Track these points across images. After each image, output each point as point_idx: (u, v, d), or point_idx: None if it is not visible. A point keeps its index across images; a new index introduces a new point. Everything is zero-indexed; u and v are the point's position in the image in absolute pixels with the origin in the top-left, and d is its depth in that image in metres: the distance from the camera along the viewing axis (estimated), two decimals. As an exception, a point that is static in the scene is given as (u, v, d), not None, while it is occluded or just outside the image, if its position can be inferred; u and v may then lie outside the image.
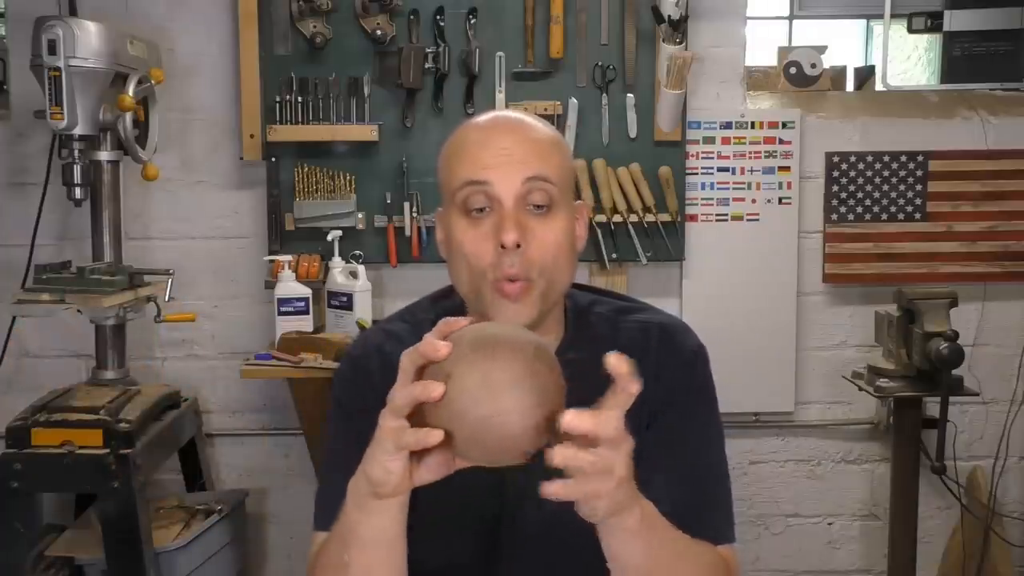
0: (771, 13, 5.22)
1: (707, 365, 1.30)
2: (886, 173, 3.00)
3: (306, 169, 2.86)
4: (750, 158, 2.97)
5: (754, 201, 2.98)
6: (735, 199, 2.98)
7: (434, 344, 0.95)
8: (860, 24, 5.45)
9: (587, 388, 0.97)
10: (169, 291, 2.57)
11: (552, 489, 0.93)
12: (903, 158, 3.00)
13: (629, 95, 2.89)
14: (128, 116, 2.49)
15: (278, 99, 2.84)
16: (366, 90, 2.85)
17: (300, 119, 2.84)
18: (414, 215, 2.87)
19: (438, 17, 2.83)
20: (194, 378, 2.99)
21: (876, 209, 3.00)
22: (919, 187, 3.00)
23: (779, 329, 3.02)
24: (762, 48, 4.14)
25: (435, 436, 0.93)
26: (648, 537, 1.04)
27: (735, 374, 2.93)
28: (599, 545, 1.28)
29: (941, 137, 3.02)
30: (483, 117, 1.26)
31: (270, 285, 2.79)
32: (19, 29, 2.78)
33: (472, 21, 2.84)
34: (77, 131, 2.41)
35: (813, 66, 3.06)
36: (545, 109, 2.84)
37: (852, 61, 4.36)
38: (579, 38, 2.87)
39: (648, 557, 1.05)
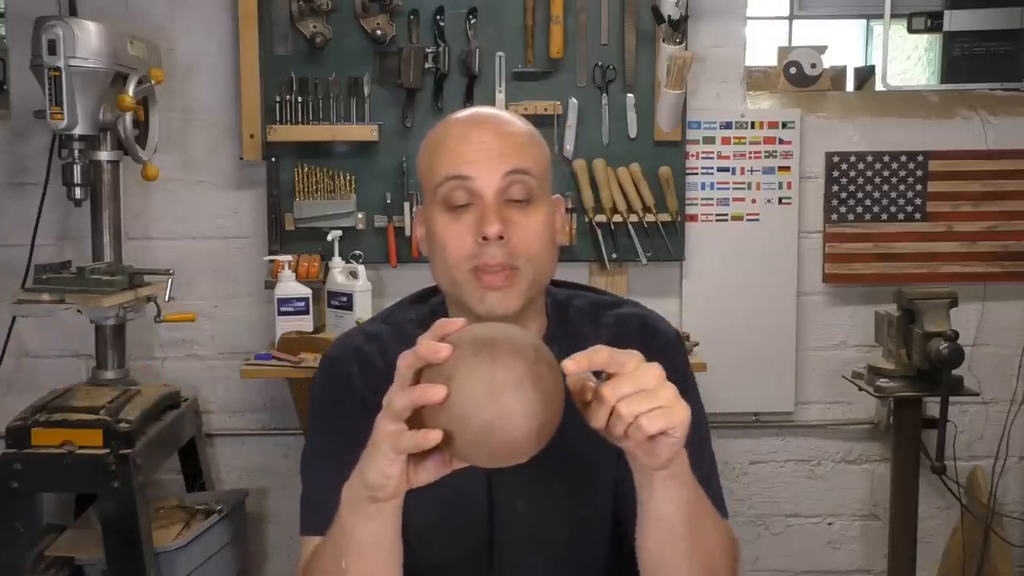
0: (771, 13, 5.23)
1: (684, 350, 1.37)
2: (886, 173, 3.00)
3: (306, 169, 2.86)
4: (750, 158, 2.97)
5: (754, 201, 2.98)
6: (735, 199, 2.98)
7: (435, 346, 0.94)
8: (860, 24, 5.45)
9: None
10: (169, 291, 2.57)
11: (652, 424, 0.93)
12: (903, 158, 3.00)
13: (629, 95, 2.89)
14: (128, 116, 2.49)
15: (278, 99, 2.84)
16: (366, 90, 2.85)
17: (300, 119, 2.84)
18: (414, 215, 2.88)
19: (438, 17, 2.83)
20: (194, 378, 2.99)
21: (876, 209, 3.00)
22: (919, 187, 3.00)
23: (779, 329, 3.02)
24: (762, 48, 4.15)
25: (434, 437, 0.92)
26: (691, 486, 1.06)
27: (735, 374, 2.94)
28: (589, 541, 1.29)
29: (941, 137, 3.02)
30: (461, 113, 1.27)
31: (270, 285, 2.79)
32: (19, 29, 2.77)
33: (472, 21, 2.84)
34: (77, 131, 2.41)
35: (813, 66, 3.06)
36: (545, 109, 2.84)
37: (852, 61, 4.37)
38: (579, 38, 2.87)
39: (690, 508, 1.06)
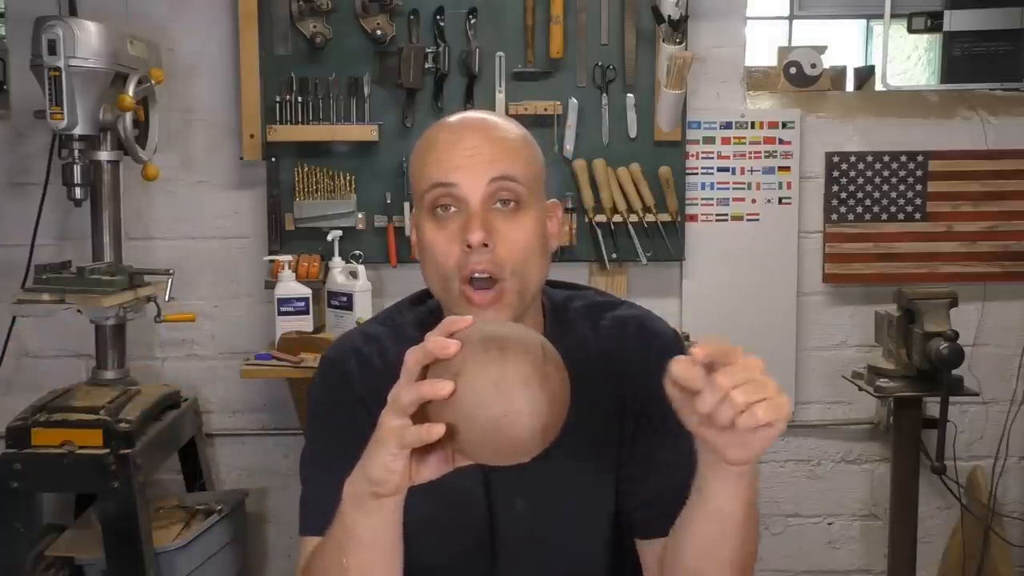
0: (771, 13, 5.22)
1: (684, 350, 1.33)
2: (886, 173, 3.00)
3: (306, 169, 2.86)
4: (750, 158, 2.97)
5: (754, 201, 2.98)
6: (735, 199, 2.98)
7: (443, 342, 0.95)
8: (860, 24, 5.45)
9: (571, 382, 0.99)
10: (169, 291, 2.57)
11: (765, 413, 0.92)
12: (903, 158, 3.00)
13: (629, 95, 2.89)
14: (128, 116, 2.49)
15: (278, 99, 2.84)
16: (366, 90, 2.85)
17: (300, 119, 2.84)
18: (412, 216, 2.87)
19: (438, 17, 2.83)
20: (194, 378, 2.99)
21: (876, 209, 3.00)
22: (919, 187, 3.00)
23: (779, 329, 3.02)
24: (762, 48, 4.15)
25: (438, 430, 0.93)
26: (754, 489, 1.04)
27: (735, 374, 2.93)
28: (589, 539, 1.29)
29: (941, 137, 3.02)
30: (451, 118, 1.26)
31: (270, 285, 2.79)
32: (19, 29, 2.77)
33: (472, 21, 2.84)
34: (77, 131, 2.40)
35: (813, 66, 3.06)
36: (545, 109, 2.84)
37: (852, 61, 4.36)
38: (579, 38, 2.87)
39: (748, 510, 1.05)
